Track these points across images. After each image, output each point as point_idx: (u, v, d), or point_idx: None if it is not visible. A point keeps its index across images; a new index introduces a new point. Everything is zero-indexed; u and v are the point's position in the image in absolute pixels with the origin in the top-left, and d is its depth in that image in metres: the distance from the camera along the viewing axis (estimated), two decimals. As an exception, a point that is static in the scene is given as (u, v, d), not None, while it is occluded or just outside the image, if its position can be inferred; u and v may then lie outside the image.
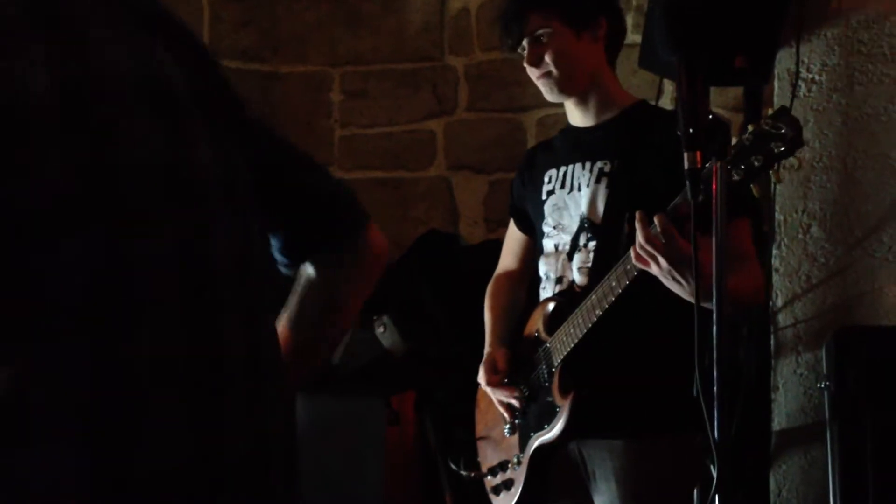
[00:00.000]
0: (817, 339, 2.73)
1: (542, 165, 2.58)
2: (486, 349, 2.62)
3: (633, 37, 3.56)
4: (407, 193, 4.49)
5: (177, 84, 1.18)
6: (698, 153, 1.88)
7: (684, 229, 2.11)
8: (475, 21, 4.44)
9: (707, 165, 1.93)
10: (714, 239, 1.88)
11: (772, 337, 2.83)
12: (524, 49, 2.48)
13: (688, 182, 1.88)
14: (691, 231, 1.87)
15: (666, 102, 3.40)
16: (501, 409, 2.56)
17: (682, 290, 2.15)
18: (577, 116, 2.55)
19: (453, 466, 2.80)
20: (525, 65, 2.49)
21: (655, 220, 2.11)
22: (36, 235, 1.02)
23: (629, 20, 3.79)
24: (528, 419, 2.49)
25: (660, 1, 2.83)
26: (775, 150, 1.93)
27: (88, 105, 1.07)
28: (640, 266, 2.16)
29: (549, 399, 2.41)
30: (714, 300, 1.87)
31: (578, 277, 2.41)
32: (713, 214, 1.89)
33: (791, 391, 2.78)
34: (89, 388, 1.03)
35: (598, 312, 2.27)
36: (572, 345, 2.34)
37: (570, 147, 2.54)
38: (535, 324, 2.51)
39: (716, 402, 1.85)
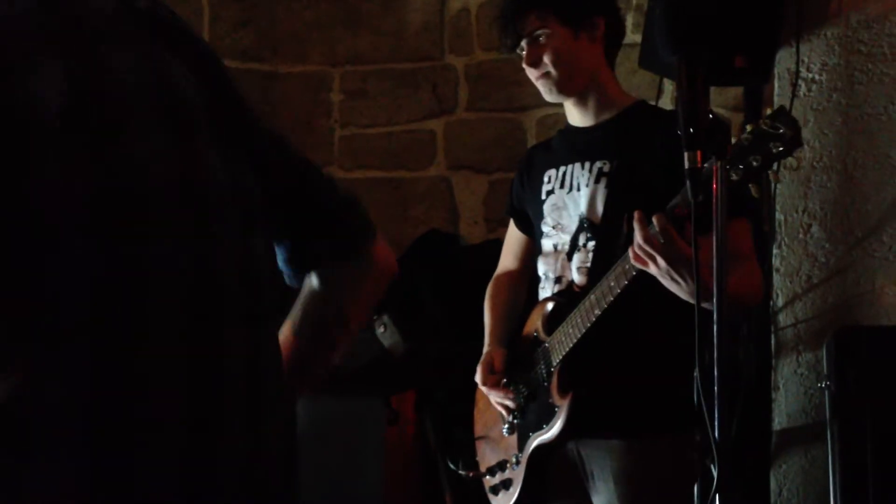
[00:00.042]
0: (818, 338, 2.73)
1: (541, 165, 2.58)
2: (485, 349, 2.63)
3: (634, 36, 3.56)
4: (407, 193, 4.48)
5: (188, 97, 1.18)
6: (698, 153, 1.88)
7: (683, 229, 2.11)
8: (475, 21, 4.44)
9: (706, 165, 1.93)
10: (714, 239, 1.88)
11: (772, 336, 2.83)
12: (523, 50, 2.48)
13: (688, 181, 1.88)
14: (691, 231, 1.86)
15: (666, 102, 3.40)
16: (499, 409, 2.56)
17: (680, 289, 2.15)
18: (576, 116, 2.55)
19: (452, 466, 2.80)
20: (524, 65, 2.49)
21: (654, 219, 2.11)
22: (43, 244, 1.02)
23: (629, 20, 3.79)
24: (527, 419, 2.49)
25: (660, 1, 2.83)
26: (774, 151, 1.93)
27: (101, 120, 1.08)
28: (638, 266, 2.16)
29: (548, 399, 2.41)
30: (714, 300, 1.86)
31: (577, 277, 2.41)
32: (713, 214, 1.89)
33: (791, 391, 2.78)
34: (90, 393, 1.03)
35: (597, 312, 2.27)
36: (571, 345, 2.34)
37: (569, 147, 2.54)
38: (534, 323, 2.51)
39: (716, 402, 1.85)
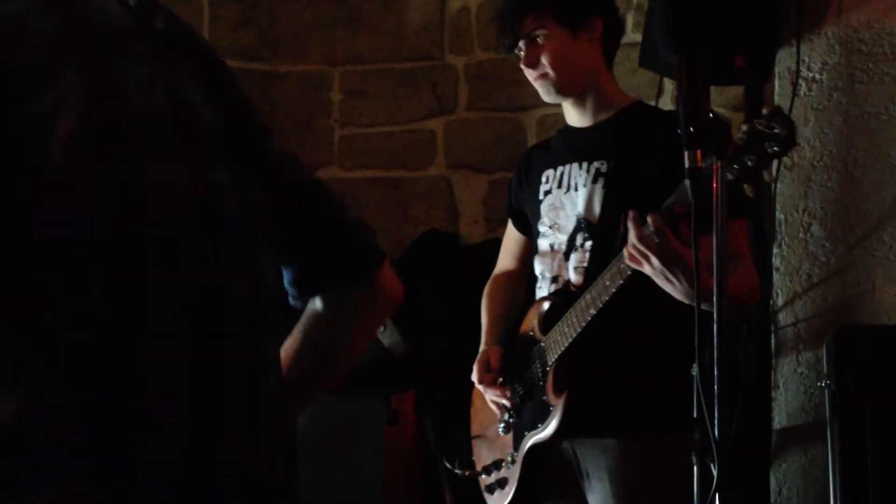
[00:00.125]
0: (818, 337, 2.73)
1: (539, 166, 2.58)
2: (481, 348, 2.63)
3: (634, 36, 3.56)
4: (407, 193, 4.48)
5: (203, 119, 1.19)
6: (699, 152, 1.88)
7: (678, 229, 2.11)
8: (475, 20, 4.44)
9: (704, 165, 1.93)
10: (714, 239, 1.88)
11: (772, 336, 2.83)
12: (521, 50, 2.48)
13: (688, 181, 1.88)
14: (691, 230, 1.86)
15: (666, 101, 3.40)
16: (495, 408, 2.57)
17: (674, 289, 2.16)
18: (574, 117, 2.55)
19: (448, 465, 2.80)
20: (522, 66, 2.50)
21: (649, 219, 2.12)
22: (47, 248, 1.02)
23: (629, 19, 3.79)
24: (523, 418, 2.49)
25: (660, 0, 2.83)
26: (769, 150, 1.93)
27: (117, 139, 1.08)
28: (632, 265, 2.16)
29: (544, 398, 2.42)
30: (714, 300, 1.86)
31: (574, 277, 2.42)
32: (714, 214, 1.89)
33: (791, 390, 2.78)
34: (90, 393, 1.03)
35: (592, 312, 2.27)
36: (566, 344, 2.35)
37: (567, 147, 2.54)
38: (531, 323, 2.52)
39: (716, 402, 1.84)
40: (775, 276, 2.79)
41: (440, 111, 4.50)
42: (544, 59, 2.45)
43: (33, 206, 1.02)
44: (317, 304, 1.41)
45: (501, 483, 2.54)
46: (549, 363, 2.41)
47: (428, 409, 3.60)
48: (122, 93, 1.10)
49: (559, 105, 2.60)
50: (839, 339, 2.62)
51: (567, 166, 2.50)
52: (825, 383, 2.62)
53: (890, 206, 2.73)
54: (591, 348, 2.33)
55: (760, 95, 3.10)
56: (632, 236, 2.13)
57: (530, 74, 2.49)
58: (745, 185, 1.98)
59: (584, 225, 2.42)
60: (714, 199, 1.89)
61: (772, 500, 2.78)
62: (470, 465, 2.70)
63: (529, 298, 2.59)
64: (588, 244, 2.40)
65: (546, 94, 2.51)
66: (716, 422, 1.83)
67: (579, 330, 2.31)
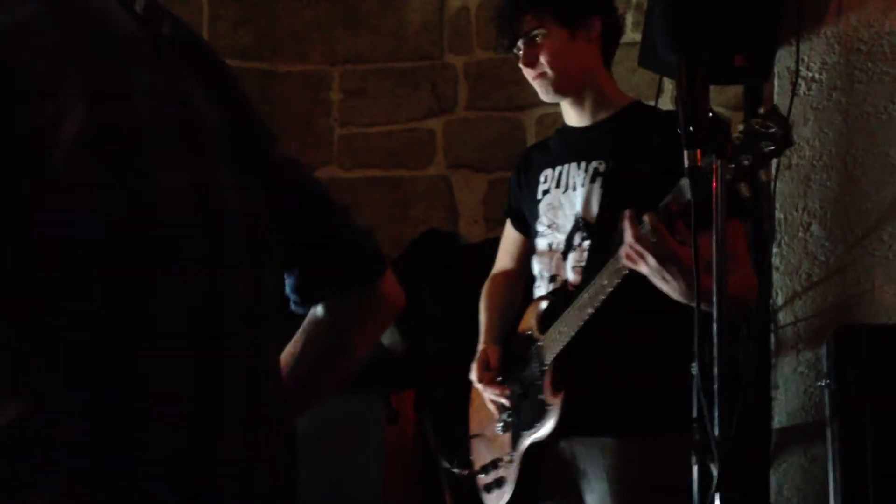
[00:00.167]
0: (817, 337, 2.73)
1: (537, 165, 2.59)
2: (479, 347, 2.64)
3: (633, 35, 3.56)
4: (406, 192, 4.49)
5: (208, 124, 1.19)
6: (698, 151, 1.88)
7: (674, 228, 2.11)
8: (475, 20, 4.44)
9: (703, 164, 1.93)
10: (714, 238, 1.88)
11: (772, 335, 2.83)
12: (519, 50, 2.48)
13: (688, 180, 1.88)
14: (692, 230, 1.86)
15: (666, 101, 3.40)
16: (493, 408, 2.57)
17: (671, 288, 2.16)
18: (572, 116, 2.56)
19: (446, 464, 2.80)
20: (520, 65, 2.50)
21: (645, 218, 2.12)
22: (48, 250, 1.02)
23: (629, 18, 3.79)
24: (520, 417, 2.50)
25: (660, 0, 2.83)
26: (765, 150, 1.93)
27: (122, 146, 1.08)
28: (629, 265, 2.16)
29: (541, 397, 2.42)
30: (714, 300, 1.86)
31: (572, 276, 2.42)
32: (713, 214, 1.89)
33: (791, 389, 2.78)
34: (90, 393, 1.03)
35: (590, 311, 2.27)
36: (564, 343, 2.35)
37: (566, 147, 2.55)
38: (528, 322, 2.52)
39: (716, 402, 1.84)
40: (775, 276, 2.79)
41: (440, 111, 4.50)
42: (543, 59, 2.45)
43: (34, 207, 1.02)
44: (319, 309, 1.41)
45: (499, 482, 2.54)
46: (547, 362, 2.41)
47: (428, 409, 3.60)
48: (127, 98, 1.10)
49: (558, 104, 2.61)
50: (839, 338, 2.62)
51: (565, 166, 2.50)
52: (825, 383, 2.62)
53: (889, 206, 2.73)
54: (588, 347, 2.33)
55: (760, 95, 3.10)
56: (628, 236, 2.13)
57: (529, 74, 2.49)
58: (740, 185, 1.97)
59: (582, 224, 2.42)
60: (714, 199, 1.89)
61: (772, 499, 2.78)
62: (468, 464, 2.70)
63: (528, 298, 2.59)
64: (586, 244, 2.41)
65: (544, 94, 2.51)
66: (716, 421, 1.83)
67: (576, 329, 2.31)
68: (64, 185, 1.03)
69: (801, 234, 2.79)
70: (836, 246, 2.76)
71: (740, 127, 1.98)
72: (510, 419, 2.54)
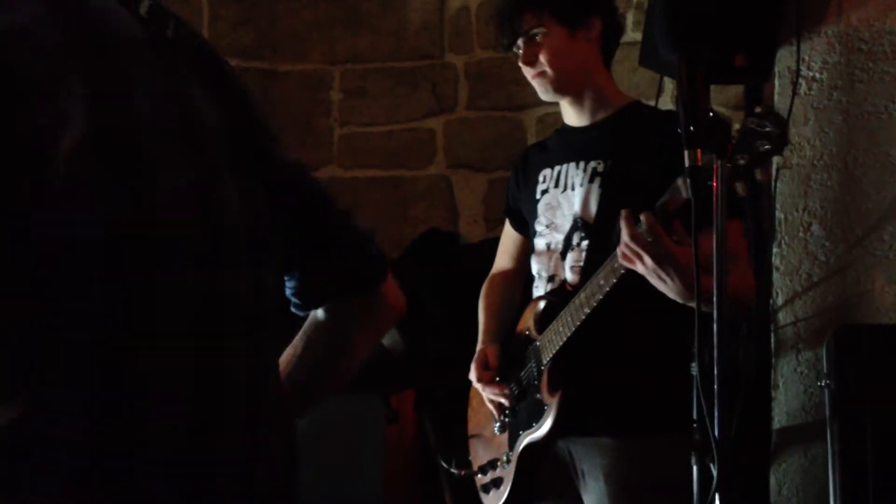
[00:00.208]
0: (818, 337, 2.73)
1: (536, 165, 2.59)
2: (478, 347, 2.64)
3: (634, 35, 3.55)
4: (406, 192, 4.49)
5: (210, 126, 1.19)
6: (699, 151, 1.88)
7: (671, 227, 2.11)
8: (475, 19, 4.44)
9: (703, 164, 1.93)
10: (714, 238, 1.88)
11: (772, 335, 2.83)
12: (519, 48, 2.48)
13: (689, 180, 1.88)
14: (691, 230, 1.86)
15: (666, 100, 3.40)
16: (491, 407, 2.57)
17: (667, 288, 2.15)
18: (571, 116, 2.56)
19: (444, 465, 2.81)
20: (520, 64, 2.50)
21: (642, 218, 2.12)
22: (49, 251, 1.02)
23: (629, 18, 3.79)
24: (518, 417, 2.50)
25: (660, -1, 2.83)
26: (760, 149, 1.93)
27: (123, 147, 1.08)
28: (625, 264, 2.16)
29: (538, 397, 2.42)
30: (714, 299, 1.86)
31: (571, 276, 2.42)
32: (713, 213, 1.89)
33: (791, 389, 2.78)
34: (90, 392, 1.03)
35: (587, 311, 2.27)
36: (561, 343, 2.35)
37: (565, 147, 2.55)
38: (527, 322, 2.52)
39: (716, 402, 1.84)
40: (775, 276, 2.79)
41: (440, 110, 4.50)
42: (542, 58, 2.45)
43: (34, 207, 1.02)
44: (319, 312, 1.41)
45: (497, 483, 2.54)
46: (544, 362, 2.41)
47: (427, 409, 3.60)
48: (128, 99, 1.10)
49: (559, 104, 2.61)
50: (839, 338, 2.62)
51: (564, 166, 2.50)
52: (825, 383, 2.62)
53: (890, 206, 2.73)
54: (585, 347, 2.33)
55: (760, 94, 3.10)
56: (624, 235, 2.13)
57: (528, 72, 2.50)
58: (737, 184, 1.97)
59: (581, 224, 2.42)
60: (714, 199, 1.89)
61: (772, 499, 2.78)
62: (467, 464, 2.70)
63: (527, 298, 2.59)
64: (584, 244, 2.41)
65: (543, 93, 2.51)
66: (716, 421, 1.83)
67: (573, 329, 2.31)
68: (64, 185, 1.03)
69: (801, 234, 2.78)
70: (837, 246, 2.76)
71: (736, 126, 1.98)
72: (507, 419, 2.54)
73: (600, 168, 2.43)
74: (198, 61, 1.23)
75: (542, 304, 2.46)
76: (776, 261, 2.80)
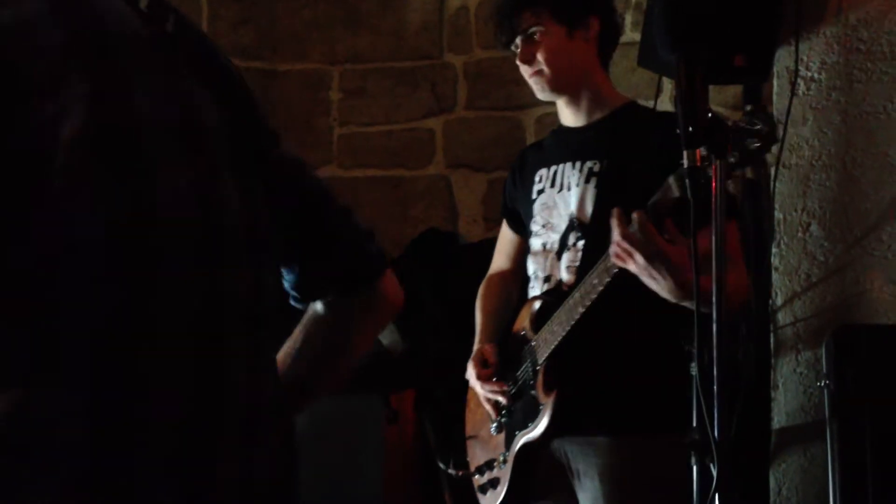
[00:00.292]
0: (817, 337, 2.73)
1: (532, 165, 2.59)
2: (475, 347, 2.64)
3: (633, 35, 3.56)
4: (406, 192, 4.49)
5: (210, 124, 1.19)
6: (698, 152, 1.88)
7: (663, 226, 2.12)
8: (474, 19, 4.44)
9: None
10: (713, 239, 1.88)
11: (771, 335, 2.83)
12: (517, 47, 2.49)
13: (688, 181, 1.88)
14: (692, 230, 1.86)
15: (665, 101, 3.40)
16: (488, 407, 2.57)
17: (659, 287, 2.16)
18: (568, 116, 2.56)
19: (442, 465, 2.81)
20: (517, 62, 2.51)
21: (633, 216, 2.12)
22: (49, 250, 1.02)
23: (628, 18, 3.79)
24: (514, 417, 2.50)
25: (659, -1, 2.83)
26: (750, 147, 1.93)
27: (123, 146, 1.08)
28: (618, 263, 2.17)
29: (534, 397, 2.42)
30: (714, 299, 1.86)
31: (566, 276, 2.42)
32: (713, 214, 1.89)
33: (791, 390, 2.78)
34: (90, 392, 1.03)
35: (581, 310, 2.28)
36: (556, 343, 2.35)
37: (561, 147, 2.55)
38: (522, 322, 2.52)
39: (715, 401, 1.84)
40: (774, 276, 2.79)
41: (439, 110, 4.50)
42: (540, 56, 2.46)
43: (34, 207, 1.02)
44: (318, 307, 1.41)
45: (493, 483, 2.55)
46: (539, 362, 2.41)
47: (427, 409, 3.60)
48: (130, 98, 1.10)
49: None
50: (838, 338, 2.62)
51: (560, 166, 2.50)
52: (824, 383, 2.62)
53: (888, 206, 2.72)
54: (581, 347, 2.34)
55: (759, 94, 3.10)
56: (616, 234, 2.14)
57: (525, 71, 2.50)
58: (727, 182, 1.98)
59: (577, 224, 2.43)
60: (714, 199, 1.89)
61: (771, 499, 2.78)
62: (465, 465, 2.70)
63: (523, 298, 2.60)
64: (580, 244, 2.41)
65: (540, 92, 2.52)
66: (715, 422, 1.83)
67: (568, 329, 2.32)
68: (64, 185, 1.03)
69: (800, 235, 2.78)
70: (836, 246, 2.76)
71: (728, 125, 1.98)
72: (504, 420, 2.54)
73: (596, 168, 2.43)
74: (198, 57, 1.23)
75: (537, 304, 2.47)
76: (775, 261, 2.80)
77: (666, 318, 2.22)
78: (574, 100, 2.52)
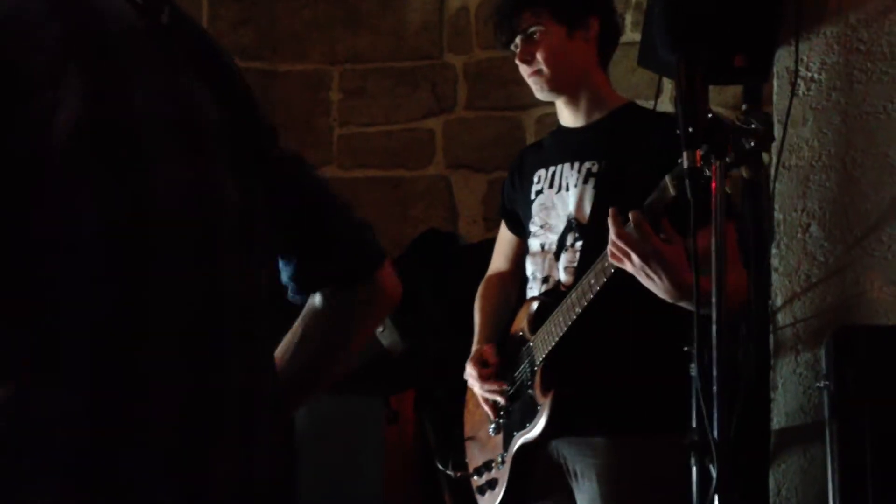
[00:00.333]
0: (816, 338, 2.72)
1: (531, 166, 2.60)
2: (474, 348, 2.64)
3: (633, 35, 3.55)
4: (406, 192, 4.49)
5: (208, 119, 1.19)
6: (698, 152, 1.88)
7: (659, 226, 2.12)
8: (474, 20, 4.44)
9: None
10: (714, 240, 1.88)
11: (771, 336, 2.82)
12: (517, 46, 2.49)
13: (688, 182, 1.88)
14: (692, 232, 1.86)
15: (665, 101, 3.39)
16: (486, 408, 2.57)
17: (656, 286, 2.16)
18: (567, 116, 2.56)
19: (440, 467, 2.81)
20: (517, 62, 2.51)
21: (630, 216, 2.13)
22: (48, 249, 1.02)
23: (628, 18, 3.79)
24: (512, 418, 2.50)
25: (659, -1, 2.82)
26: (746, 146, 1.94)
27: (117, 138, 1.08)
28: (614, 263, 2.17)
29: (531, 397, 2.42)
30: (714, 300, 1.86)
31: (564, 277, 2.42)
32: (713, 215, 1.89)
33: (790, 390, 2.77)
34: (90, 392, 1.03)
35: (578, 310, 2.28)
36: (553, 343, 2.36)
37: (559, 147, 2.56)
38: (520, 323, 2.52)
39: (715, 402, 1.84)
40: (774, 277, 2.78)
41: (439, 110, 4.50)
42: (539, 56, 2.46)
43: (34, 206, 1.02)
44: (316, 300, 1.41)
45: (492, 484, 2.55)
46: (537, 362, 2.42)
47: (427, 409, 3.60)
48: (127, 93, 1.10)
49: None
50: (838, 339, 2.62)
51: (559, 166, 2.51)
52: (824, 384, 2.62)
53: (888, 206, 2.72)
54: (578, 347, 2.34)
55: (759, 95, 3.10)
56: (612, 233, 2.14)
57: (524, 71, 2.50)
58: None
59: (575, 225, 2.43)
60: (714, 200, 1.89)
61: (771, 500, 2.78)
62: (464, 466, 2.71)
63: (522, 299, 2.60)
64: (578, 244, 2.41)
65: (539, 91, 2.52)
66: (715, 422, 1.83)
67: (566, 329, 2.32)
68: (63, 182, 1.03)
69: (799, 235, 2.78)
70: (835, 247, 2.76)
71: None
72: (502, 421, 2.54)
73: (594, 169, 2.43)
74: (195, 51, 1.23)
75: (535, 305, 2.47)
76: (775, 262, 2.79)
77: (664, 319, 2.22)
78: (573, 100, 2.52)
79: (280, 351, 1.39)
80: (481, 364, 2.57)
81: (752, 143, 1.92)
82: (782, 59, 2.85)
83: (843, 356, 2.59)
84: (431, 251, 3.99)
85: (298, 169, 1.38)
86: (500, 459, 2.52)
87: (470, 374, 2.58)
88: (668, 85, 3.40)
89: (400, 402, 3.68)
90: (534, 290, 2.50)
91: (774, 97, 2.86)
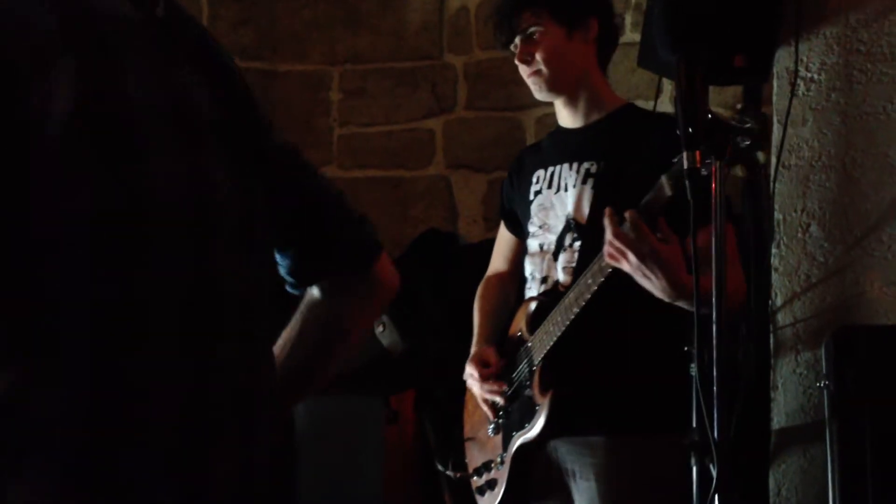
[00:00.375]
0: (816, 338, 2.72)
1: (530, 166, 2.60)
2: (473, 349, 2.64)
3: (632, 35, 3.55)
4: (406, 192, 4.49)
5: (204, 112, 1.19)
6: (697, 153, 1.88)
7: (656, 225, 2.13)
8: (474, 20, 4.44)
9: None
10: (714, 240, 1.88)
11: (771, 336, 2.83)
12: (516, 46, 2.49)
13: (688, 182, 1.88)
14: (692, 232, 1.86)
15: (665, 101, 3.39)
16: (485, 408, 2.57)
17: (653, 286, 2.16)
18: (565, 117, 2.57)
19: (440, 467, 2.81)
20: (516, 62, 2.51)
21: (626, 215, 2.13)
22: (45, 248, 1.02)
23: (628, 18, 3.79)
24: (511, 418, 2.50)
25: (659, 0, 2.82)
26: (741, 145, 1.94)
27: (113, 131, 1.08)
28: (611, 262, 2.17)
29: (530, 397, 2.43)
30: (713, 300, 1.86)
31: (563, 277, 2.43)
32: (713, 215, 1.89)
33: (790, 390, 2.77)
34: (90, 393, 1.03)
35: (576, 310, 2.28)
36: (551, 343, 2.36)
37: (558, 148, 2.56)
38: (519, 323, 2.53)
39: (715, 402, 1.85)
40: (774, 277, 2.79)
41: (439, 110, 4.50)
42: (538, 56, 2.46)
43: (33, 206, 1.02)
44: (314, 293, 1.41)
45: (491, 484, 2.55)
46: (535, 363, 2.42)
47: (427, 409, 3.60)
48: (122, 86, 1.10)
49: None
50: (838, 339, 2.62)
51: (557, 167, 2.51)
52: (824, 384, 2.62)
53: (888, 207, 2.72)
54: (577, 347, 2.34)
55: (759, 95, 3.10)
56: (608, 233, 2.15)
57: (524, 71, 2.51)
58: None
59: (573, 225, 2.43)
60: (714, 201, 1.90)
61: (771, 500, 2.78)
62: (464, 466, 2.71)
63: (521, 299, 2.60)
64: (577, 244, 2.41)
65: (538, 92, 2.52)
66: (715, 422, 1.83)
67: (564, 329, 2.32)
68: (58, 176, 1.02)
69: (799, 235, 2.78)
70: (835, 247, 2.76)
71: None
72: (501, 421, 2.54)
73: (593, 169, 2.44)
74: (191, 44, 1.23)
75: (533, 305, 2.47)
76: (775, 262, 2.79)
77: (662, 318, 2.22)
78: (572, 100, 2.52)
79: (279, 345, 1.38)
80: (482, 364, 2.57)
81: (748, 142, 1.93)
82: (782, 59, 2.85)
83: (843, 356, 2.59)
84: (431, 251, 3.99)
85: (295, 160, 1.38)
86: (499, 460, 2.52)
87: (470, 374, 2.59)
88: (668, 85, 3.40)
89: (400, 402, 3.68)
90: (532, 290, 2.51)
91: (774, 97, 2.86)
